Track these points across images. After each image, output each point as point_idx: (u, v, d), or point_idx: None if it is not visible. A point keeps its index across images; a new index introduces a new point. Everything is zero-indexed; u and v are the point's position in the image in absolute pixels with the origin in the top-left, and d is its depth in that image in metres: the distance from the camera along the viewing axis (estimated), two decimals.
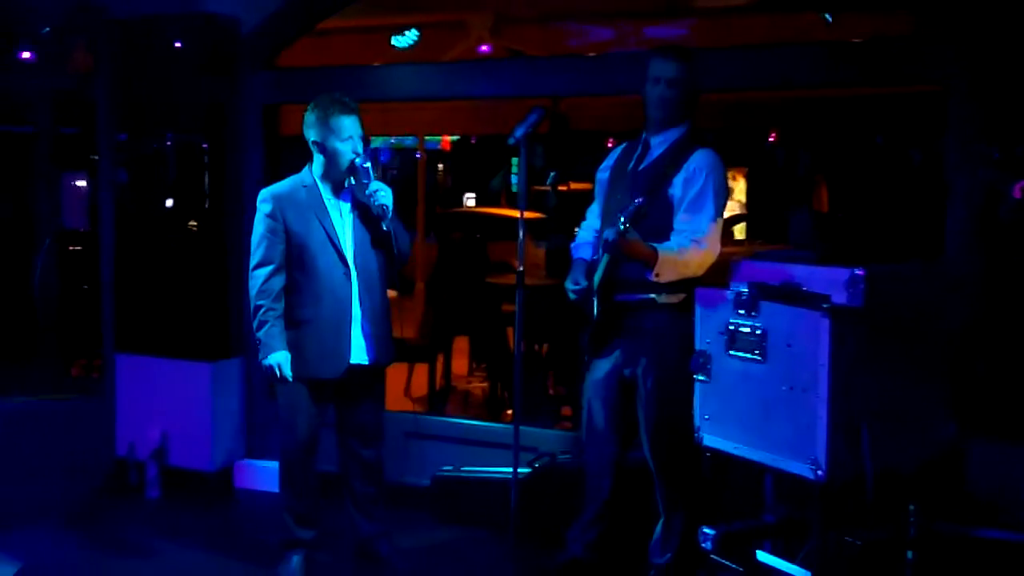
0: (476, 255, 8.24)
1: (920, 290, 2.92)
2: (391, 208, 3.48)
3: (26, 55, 5.38)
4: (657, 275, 3.21)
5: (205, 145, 4.83)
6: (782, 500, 3.11)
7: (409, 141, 16.62)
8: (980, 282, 3.65)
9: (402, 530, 4.11)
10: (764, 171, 17.31)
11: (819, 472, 2.63)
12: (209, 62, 4.76)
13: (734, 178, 18.04)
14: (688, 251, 3.23)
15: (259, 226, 3.54)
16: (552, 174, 10.55)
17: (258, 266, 3.52)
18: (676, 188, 3.31)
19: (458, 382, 7.10)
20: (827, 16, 5.22)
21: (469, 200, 19.63)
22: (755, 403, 2.82)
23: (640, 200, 3.15)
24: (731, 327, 2.88)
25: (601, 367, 3.47)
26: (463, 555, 4.00)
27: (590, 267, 3.42)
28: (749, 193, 17.73)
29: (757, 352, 2.79)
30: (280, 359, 3.50)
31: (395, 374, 6.36)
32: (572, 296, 3.45)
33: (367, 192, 3.49)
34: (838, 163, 15.33)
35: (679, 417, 3.23)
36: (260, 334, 3.51)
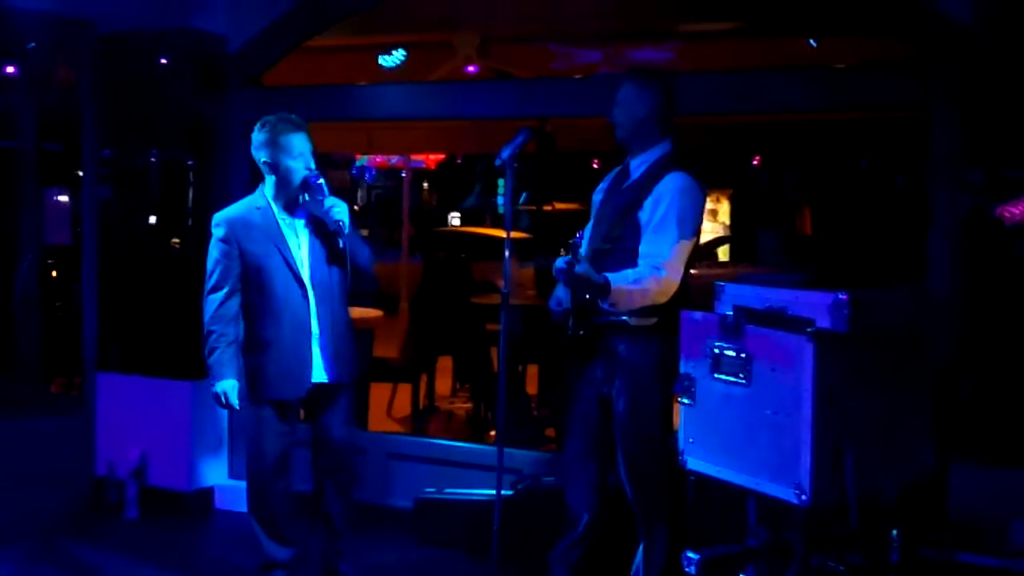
0: (460, 275, 8.23)
1: (905, 314, 2.93)
2: (347, 223, 3.48)
3: (10, 70, 5.35)
4: (613, 304, 3.20)
5: (190, 162, 4.82)
6: (765, 524, 3.11)
7: (394, 160, 16.64)
8: (962, 306, 3.67)
9: (384, 552, 4.08)
10: (748, 193, 17.43)
11: (803, 496, 2.63)
12: (195, 79, 4.75)
13: (718, 200, 18.17)
14: (646, 280, 3.19)
15: (213, 251, 3.54)
16: (524, 195, 10.57)
17: (212, 291, 3.53)
18: (645, 211, 3.29)
19: (441, 402, 7.08)
20: (811, 41, 5.27)
21: (454, 219, 19.63)
22: (739, 427, 2.82)
23: (578, 236, 3.18)
24: (715, 350, 2.87)
25: (580, 386, 3.46)
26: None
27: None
28: (733, 215, 17.85)
29: (741, 376, 2.79)
30: (227, 387, 3.50)
31: (378, 394, 6.34)
32: (554, 316, 3.45)
33: (323, 208, 3.49)
34: (822, 186, 15.46)
35: (653, 441, 3.26)
36: (210, 360, 3.50)
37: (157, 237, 4.83)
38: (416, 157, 13.01)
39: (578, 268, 3.09)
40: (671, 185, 3.27)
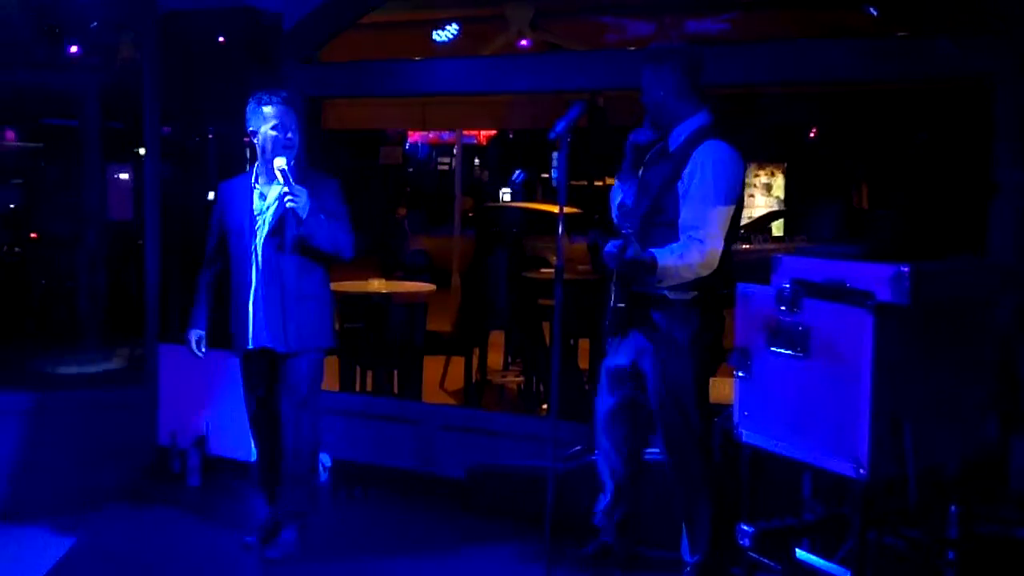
0: (512, 249, 8.25)
1: (966, 286, 2.88)
2: (302, 213, 3.60)
3: (73, 49, 5.46)
4: (659, 281, 3.26)
5: (246, 139, 4.88)
6: (821, 498, 3.09)
7: (445, 136, 16.65)
8: None
9: (436, 520, 4.14)
10: (805, 167, 17.13)
11: (861, 470, 2.61)
12: (252, 56, 4.81)
13: (772, 174, 17.92)
14: (689, 253, 3.24)
15: (212, 213, 3.98)
16: (518, 172, 10.50)
17: (206, 250, 3.98)
18: (683, 182, 3.33)
19: (493, 376, 7.12)
20: (871, 9, 5.15)
21: (505, 195, 19.63)
22: (796, 400, 2.80)
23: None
24: (773, 323, 2.86)
25: (615, 352, 3.53)
26: (497, 547, 4.01)
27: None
28: (788, 188, 17.57)
29: (799, 349, 2.77)
30: (191, 335, 3.98)
31: (431, 367, 6.40)
32: (610, 264, 3.38)
33: (279, 195, 3.65)
34: (880, 159, 15.13)
35: (688, 412, 3.36)
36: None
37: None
38: (468, 133, 13.02)
39: (628, 252, 3.15)
40: (707, 154, 3.31)
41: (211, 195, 4.92)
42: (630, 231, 3.26)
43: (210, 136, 4.92)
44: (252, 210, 3.78)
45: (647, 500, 3.70)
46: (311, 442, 3.86)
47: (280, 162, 3.63)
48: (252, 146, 3.82)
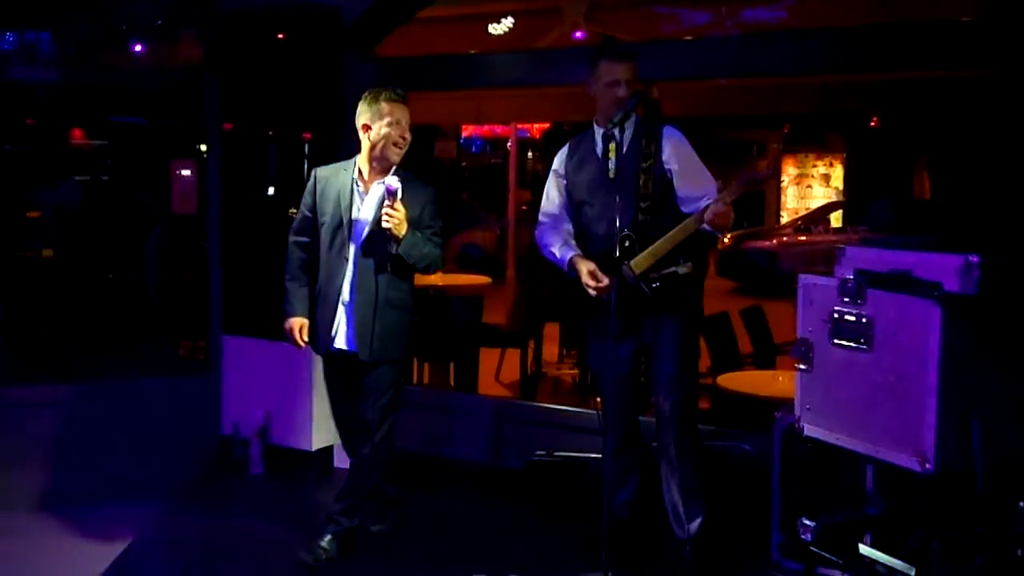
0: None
1: None
2: (397, 236, 3.55)
3: (138, 48, 5.59)
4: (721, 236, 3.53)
5: (306, 134, 4.95)
6: (884, 492, 3.05)
7: (499, 130, 16.64)
8: None
9: (495, 510, 4.17)
10: (864, 156, 16.80)
11: (927, 465, 2.57)
12: (312, 52, 4.87)
13: (831, 164, 17.62)
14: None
15: (304, 197, 3.82)
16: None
17: (291, 233, 3.85)
18: (669, 161, 3.50)
19: (548, 368, 7.13)
20: None
21: None
22: (859, 393, 2.76)
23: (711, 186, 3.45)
24: (835, 315, 2.82)
25: (623, 341, 3.56)
26: (554, 538, 4.02)
27: (604, 259, 3.49)
28: (848, 179, 17.24)
29: (863, 341, 2.73)
30: (292, 323, 3.79)
31: (487, 359, 6.43)
32: (593, 293, 3.53)
33: (379, 200, 3.61)
34: (942, 149, 14.77)
35: (695, 376, 3.63)
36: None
37: (275, 207, 4.99)
38: (521, 127, 13.02)
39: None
40: (676, 135, 3.55)
41: (271, 190, 5.02)
42: (631, 224, 3.46)
43: (270, 132, 4.99)
44: (349, 207, 3.68)
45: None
46: (386, 451, 3.77)
47: (394, 182, 3.56)
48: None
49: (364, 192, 3.70)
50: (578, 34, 6.67)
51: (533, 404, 5.26)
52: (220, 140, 5.12)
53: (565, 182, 3.72)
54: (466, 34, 6.59)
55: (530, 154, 20.16)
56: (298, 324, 3.77)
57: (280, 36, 4.86)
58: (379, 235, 3.63)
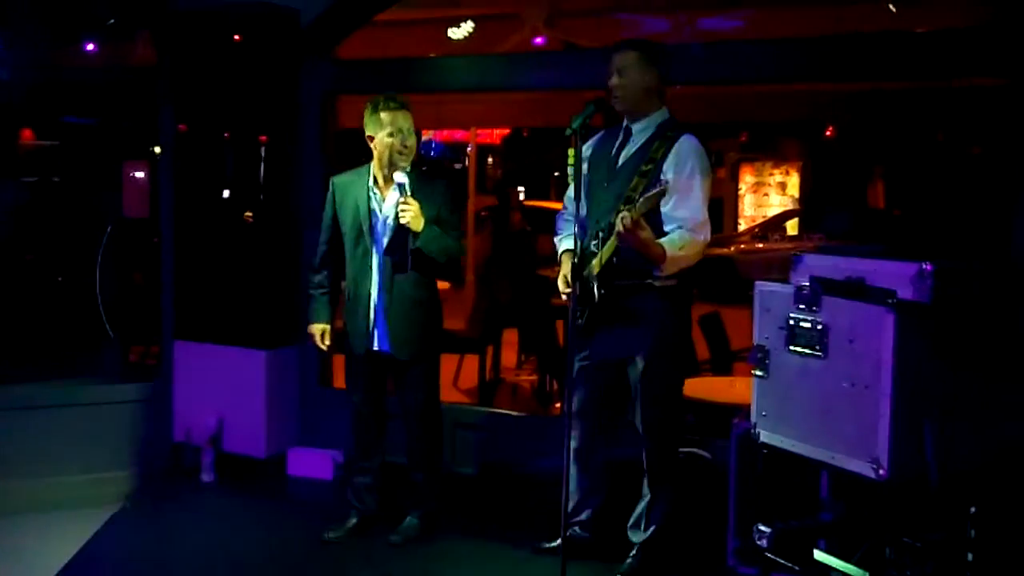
0: (526, 248, 8.24)
1: (989, 286, 2.84)
2: (416, 227, 3.64)
3: (90, 47, 5.48)
4: (662, 270, 3.32)
5: (262, 136, 4.89)
6: (839, 498, 3.06)
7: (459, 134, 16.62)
8: None
9: (449, 516, 4.14)
10: (820, 165, 17.05)
11: (881, 471, 2.58)
12: (269, 53, 4.81)
13: (787, 172, 17.85)
14: (688, 243, 3.33)
15: (325, 208, 3.96)
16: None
17: (318, 244, 3.99)
18: (667, 173, 3.36)
19: (507, 374, 7.11)
20: (891, 6, 5.12)
21: (520, 193, 19.57)
22: (814, 400, 2.78)
23: (664, 180, 3.21)
24: (791, 322, 2.83)
25: (595, 352, 3.53)
26: (509, 543, 3.99)
27: (582, 257, 3.46)
28: (804, 187, 17.48)
29: (818, 348, 2.75)
30: (314, 329, 3.95)
31: (445, 365, 6.38)
32: (564, 296, 3.53)
33: (395, 205, 3.69)
34: (896, 158, 15.02)
35: (673, 393, 3.50)
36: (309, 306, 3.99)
37: (231, 210, 4.92)
38: (482, 132, 13.01)
39: (642, 232, 3.18)
40: (689, 147, 3.38)
41: (226, 193, 4.94)
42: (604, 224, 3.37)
43: (225, 134, 4.92)
44: (368, 214, 3.78)
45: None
46: (437, 443, 3.96)
47: (400, 176, 3.65)
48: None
49: (382, 198, 3.80)
50: (538, 40, 6.68)
51: (491, 410, 5.23)
52: (173, 141, 5.04)
53: (587, 169, 3.61)
54: (425, 38, 6.57)
55: (490, 159, 20.15)
56: (319, 330, 3.95)
57: (236, 37, 4.79)
58: (400, 236, 3.72)
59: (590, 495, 3.71)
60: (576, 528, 3.71)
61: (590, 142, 3.64)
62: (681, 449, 3.70)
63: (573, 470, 3.63)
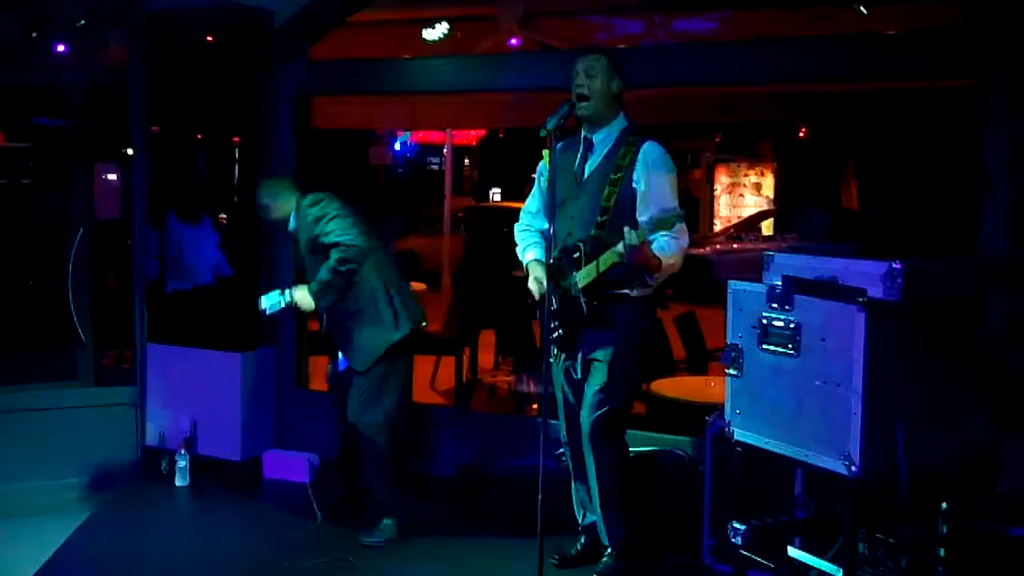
0: (502, 249, 8.24)
1: (958, 284, 2.88)
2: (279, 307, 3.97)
3: (60, 48, 5.41)
4: (656, 278, 3.35)
5: (235, 138, 4.86)
6: (812, 495, 3.09)
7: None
8: (1017, 275, 3.60)
9: (428, 518, 4.13)
10: (794, 166, 17.18)
11: (853, 468, 2.61)
12: (242, 54, 4.78)
13: (762, 173, 17.96)
14: (676, 250, 3.33)
15: None
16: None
17: None
18: (638, 182, 3.39)
19: (484, 375, 7.11)
20: (862, 8, 5.16)
21: (495, 195, 19.61)
22: (787, 398, 2.80)
23: (680, 210, 3.26)
24: (764, 321, 2.85)
25: (573, 357, 3.55)
26: (488, 546, 3.99)
27: (555, 269, 3.46)
28: (778, 188, 17.60)
29: (790, 346, 2.77)
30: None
31: (422, 367, 6.38)
32: (537, 296, 3.57)
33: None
34: (869, 159, 15.16)
35: (624, 393, 3.51)
36: None
37: (204, 212, 4.88)
38: (458, 133, 13.00)
39: (653, 248, 3.19)
40: (654, 154, 3.42)
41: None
42: (586, 236, 3.39)
43: (199, 136, 4.89)
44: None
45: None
46: (370, 450, 4.01)
47: (273, 297, 3.96)
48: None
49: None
50: (513, 41, 6.68)
51: (468, 411, 5.23)
52: (146, 143, 5.00)
53: (546, 181, 3.60)
54: (400, 39, 6.55)
55: (467, 160, 20.15)
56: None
57: (209, 38, 4.76)
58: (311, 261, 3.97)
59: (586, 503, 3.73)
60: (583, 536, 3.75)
61: (547, 156, 3.59)
62: (653, 448, 3.74)
63: (575, 484, 3.70)
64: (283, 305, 3.95)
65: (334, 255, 3.81)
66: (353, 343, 4.00)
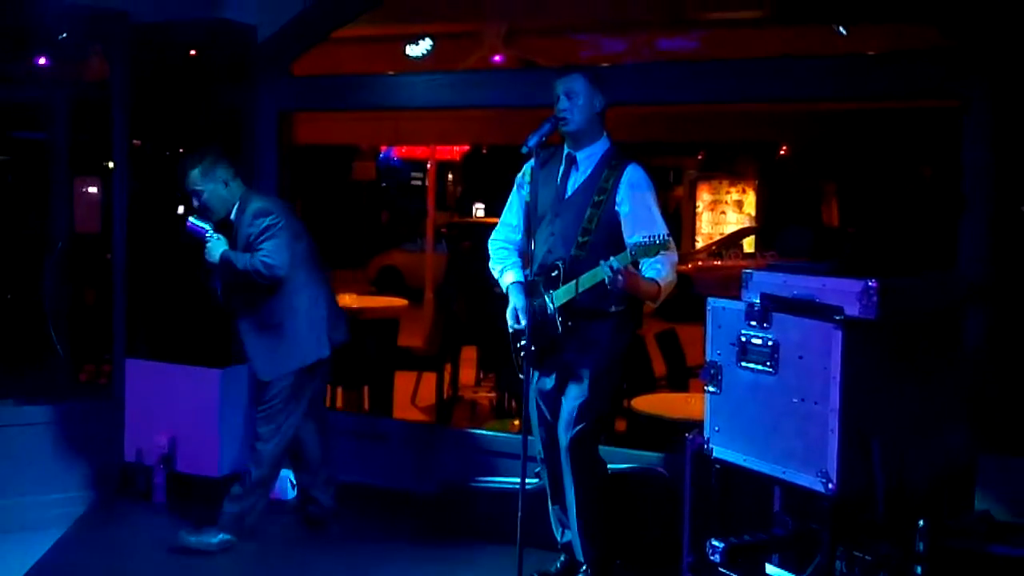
0: (485, 264, 8.23)
1: (935, 302, 2.90)
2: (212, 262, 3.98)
3: (42, 61, 5.40)
4: (655, 300, 3.35)
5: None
6: (791, 513, 3.10)
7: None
8: (994, 293, 3.64)
9: (407, 536, 4.11)
10: (774, 184, 17.31)
11: (830, 485, 2.62)
12: (225, 69, 4.78)
13: (743, 191, 18.09)
14: (669, 270, 3.34)
15: None
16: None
17: None
18: (622, 204, 3.40)
19: (465, 392, 7.10)
20: (841, 29, 5.22)
21: (479, 210, 19.66)
22: (765, 415, 2.81)
23: (664, 235, 3.21)
24: (743, 338, 2.86)
25: (548, 374, 3.56)
26: (468, 564, 3.98)
27: (531, 288, 3.47)
28: (759, 206, 17.73)
29: (768, 364, 2.78)
30: None
31: (403, 383, 6.36)
32: (515, 331, 3.56)
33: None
34: (850, 177, 15.30)
35: (601, 408, 3.51)
36: None
37: (184, 227, 4.86)
38: (442, 148, 13.02)
39: (632, 277, 3.20)
40: (637, 176, 3.43)
41: (180, 209, 4.89)
42: (566, 255, 3.38)
43: (181, 150, 4.87)
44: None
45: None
46: (255, 461, 4.08)
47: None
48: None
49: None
50: (497, 58, 6.71)
51: (449, 428, 5.21)
52: (128, 157, 4.98)
53: (525, 196, 3.61)
54: (383, 55, 6.57)
55: (450, 176, 20.17)
56: None
57: (191, 52, 4.76)
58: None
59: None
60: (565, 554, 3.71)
61: (526, 169, 3.65)
62: (632, 465, 3.74)
63: (552, 503, 3.69)
64: (205, 236, 3.95)
65: (261, 259, 3.87)
66: (258, 354, 4.06)
